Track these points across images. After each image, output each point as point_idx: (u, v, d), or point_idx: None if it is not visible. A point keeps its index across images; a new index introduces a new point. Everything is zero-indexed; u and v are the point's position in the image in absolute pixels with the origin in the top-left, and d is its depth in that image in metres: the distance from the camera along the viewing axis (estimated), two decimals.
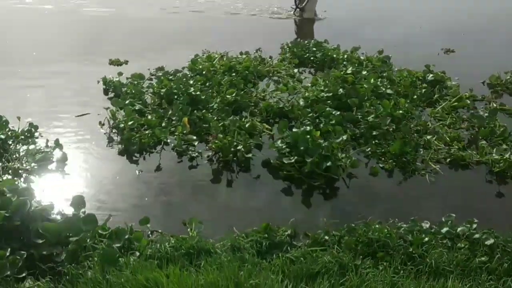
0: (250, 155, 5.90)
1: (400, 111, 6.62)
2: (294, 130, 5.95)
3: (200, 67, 7.96)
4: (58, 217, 4.51)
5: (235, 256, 4.16)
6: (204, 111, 6.78)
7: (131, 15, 12.94)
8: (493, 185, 5.73)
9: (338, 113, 6.57)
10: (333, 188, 5.57)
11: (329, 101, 7.00)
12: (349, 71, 7.86)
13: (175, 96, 6.83)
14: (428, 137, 6.26)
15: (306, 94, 7.14)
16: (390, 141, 6.14)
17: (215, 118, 6.26)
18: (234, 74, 8.09)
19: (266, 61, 8.58)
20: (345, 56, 8.87)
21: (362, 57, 8.92)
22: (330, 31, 11.84)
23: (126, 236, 4.31)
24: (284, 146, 5.81)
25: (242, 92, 7.36)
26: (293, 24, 12.81)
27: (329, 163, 5.46)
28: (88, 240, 4.22)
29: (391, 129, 6.30)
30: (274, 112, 6.75)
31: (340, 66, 8.38)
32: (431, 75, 8.07)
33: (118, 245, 4.23)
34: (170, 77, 7.65)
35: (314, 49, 9.23)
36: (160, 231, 4.71)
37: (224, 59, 8.72)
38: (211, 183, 5.68)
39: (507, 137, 6.27)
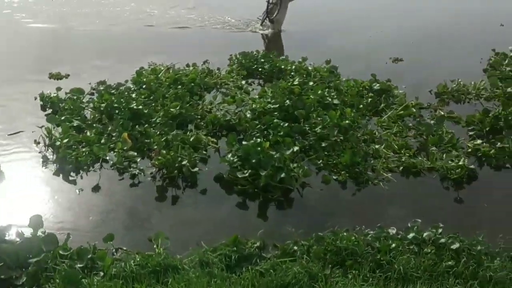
0: (196, 169, 5.89)
1: (347, 121, 6.77)
2: (244, 143, 6.06)
3: (145, 80, 8.25)
4: (17, 238, 4.42)
5: (203, 272, 4.19)
6: (146, 125, 6.72)
7: (76, 29, 13.00)
8: (449, 191, 6.05)
9: (286, 124, 6.66)
10: (289, 199, 5.72)
11: (276, 113, 7.07)
12: (296, 82, 8.01)
13: (116, 111, 7.01)
14: (377, 146, 6.46)
15: (254, 106, 7.27)
16: (339, 151, 6.34)
17: (158, 132, 6.16)
18: (180, 86, 8.09)
19: (214, 73, 8.99)
20: (293, 67, 9.06)
21: (310, 68, 9.17)
22: (292, 42, 12.35)
23: (89, 256, 4.25)
24: (235, 160, 5.87)
25: (188, 105, 7.36)
26: (252, 37, 12.73)
27: (283, 175, 5.56)
28: (49, 261, 4.17)
29: (339, 139, 6.45)
30: (220, 124, 6.70)
31: (288, 77, 8.59)
32: (377, 84, 8.25)
33: (81, 265, 4.19)
34: (113, 91, 7.78)
35: (262, 60, 9.39)
36: (125, 248, 4.66)
37: (171, 71, 8.71)
38: (156, 201, 5.73)
39: (455, 143, 6.62)
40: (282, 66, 9.00)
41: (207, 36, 12.15)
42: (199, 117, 7.21)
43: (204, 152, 6.37)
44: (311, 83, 8.01)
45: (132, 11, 14.64)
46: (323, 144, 6.36)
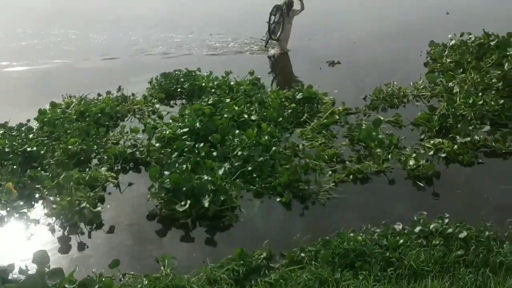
0: (99, 208, 5.72)
1: (266, 137, 6.70)
2: (166, 173, 6.07)
3: (48, 116, 7.77)
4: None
5: None
6: (39, 168, 6.56)
7: None
8: (406, 188, 6.25)
9: (202, 144, 6.80)
10: (239, 222, 5.78)
11: (185, 136, 6.98)
12: (210, 101, 8.12)
13: (10, 155, 6.66)
14: (307, 159, 6.59)
15: (164, 132, 7.27)
16: (271, 172, 6.42)
17: (50, 175, 6.14)
18: (88, 118, 7.94)
19: (128, 99, 8.65)
20: (215, 83, 9.10)
21: (232, 83, 9.17)
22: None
23: (97, 286, 4.39)
24: (165, 193, 5.72)
25: (92, 138, 7.31)
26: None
27: (222, 197, 5.75)
28: None
29: (264, 159, 6.38)
30: (125, 157, 6.79)
31: (209, 95, 8.61)
32: (300, 93, 8.38)
33: None
34: (14, 132, 7.42)
35: (183, 79, 9.34)
36: (132, 273, 4.76)
37: (82, 103, 8.43)
38: (59, 253, 5.37)
39: (396, 144, 6.94)
40: (203, 84, 9.10)
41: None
42: (103, 150, 7.17)
43: (104, 189, 6.29)
44: (227, 100, 8.17)
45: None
46: (249, 168, 6.26)
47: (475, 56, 9.46)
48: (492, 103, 7.49)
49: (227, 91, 8.71)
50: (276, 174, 6.17)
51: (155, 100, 8.81)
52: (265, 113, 7.62)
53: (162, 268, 4.71)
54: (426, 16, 13.93)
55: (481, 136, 6.83)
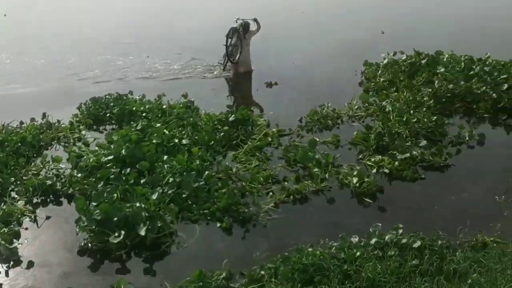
0: (15, 244, 5.55)
1: (197, 162, 6.73)
2: (93, 204, 5.93)
3: None
4: None
5: None
6: None
7: None
8: (352, 205, 6.40)
9: (129, 170, 6.75)
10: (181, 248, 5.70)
11: (110, 164, 6.85)
12: (139, 127, 8.06)
13: None
14: (243, 183, 6.67)
15: (87, 161, 7.15)
16: (203, 197, 6.39)
17: None
18: (7, 148, 7.68)
19: (53, 127, 8.45)
20: (147, 107, 9.07)
21: (165, 106, 9.21)
22: None
23: None
24: (94, 225, 5.55)
25: (10, 170, 7.12)
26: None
27: (159, 223, 5.70)
28: None
29: (199, 184, 6.50)
30: (44, 189, 6.60)
31: (140, 119, 8.56)
32: (232, 115, 8.48)
33: None
34: None
35: (112, 104, 9.24)
36: None
37: (4, 132, 8.27)
38: None
39: (333, 163, 7.14)
40: (134, 108, 9.03)
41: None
42: (19, 183, 6.96)
43: (18, 226, 6.00)
44: (158, 124, 8.15)
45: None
46: (184, 194, 6.24)
47: (407, 74, 10.06)
48: (425, 120, 7.82)
49: (159, 115, 8.76)
50: (212, 199, 6.27)
51: (83, 127, 8.74)
52: (196, 137, 7.73)
53: None
54: (362, 36, 14.48)
55: (418, 151, 7.20)
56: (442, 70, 9.75)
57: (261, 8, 16.50)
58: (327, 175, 6.75)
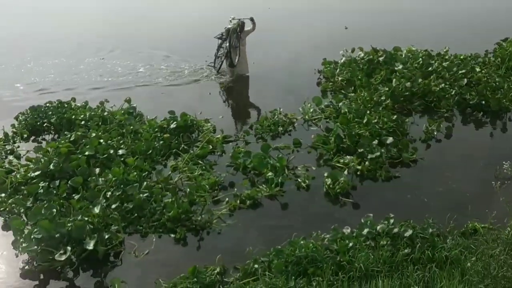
0: None
1: (134, 173, 6.73)
2: (30, 222, 5.72)
3: None
4: None
5: None
6: None
7: None
8: (308, 206, 6.46)
9: (58, 182, 6.59)
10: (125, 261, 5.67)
11: (36, 180, 6.67)
12: (72, 137, 7.82)
13: None
14: (190, 191, 6.59)
15: (12, 178, 6.86)
16: (151, 208, 6.22)
17: None
18: None
19: None
20: (87, 115, 8.88)
21: (106, 113, 9.04)
22: None
23: None
24: (36, 245, 5.37)
25: None
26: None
27: (106, 235, 5.68)
28: None
29: (144, 195, 6.36)
30: None
31: (80, 129, 8.34)
32: (174, 122, 8.38)
33: None
34: None
35: (51, 113, 9.00)
36: None
37: None
38: None
39: (286, 165, 7.14)
40: (73, 117, 8.86)
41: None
42: None
43: None
44: (93, 134, 7.99)
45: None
46: (130, 207, 6.19)
47: (366, 72, 10.30)
48: (385, 119, 8.01)
49: (99, 123, 8.61)
50: (161, 210, 6.19)
51: (18, 138, 8.54)
52: (133, 146, 7.69)
53: None
54: (324, 31, 14.56)
55: (385, 149, 7.44)
56: (400, 67, 9.89)
57: (228, 5, 16.55)
58: (280, 179, 6.88)
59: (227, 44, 11.21)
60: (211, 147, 7.75)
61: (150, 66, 12.66)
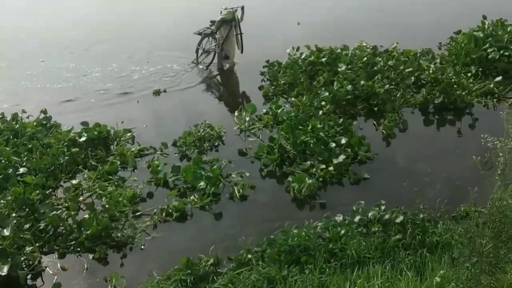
0: None
1: (37, 191, 6.64)
2: None
3: None
4: None
5: None
6: None
7: None
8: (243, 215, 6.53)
9: None
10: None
11: None
12: None
13: None
14: (108, 206, 6.45)
15: None
16: (67, 227, 6.10)
17: None
18: None
19: None
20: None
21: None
22: None
23: None
24: None
25: None
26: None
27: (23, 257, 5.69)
28: None
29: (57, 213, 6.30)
30: None
31: None
32: (85, 135, 8.09)
33: None
34: None
35: None
36: None
37: None
38: None
39: (219, 174, 7.08)
40: None
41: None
42: None
43: None
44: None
45: None
46: (42, 226, 6.10)
47: (308, 75, 10.24)
48: (331, 123, 8.15)
49: (10, 137, 8.19)
50: (79, 228, 6.04)
51: None
52: (35, 163, 7.50)
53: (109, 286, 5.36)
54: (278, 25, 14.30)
55: (340, 150, 7.51)
56: (343, 68, 9.74)
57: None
58: (212, 189, 6.87)
59: (237, 33, 11.47)
60: (116, 164, 7.41)
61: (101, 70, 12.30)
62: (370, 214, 5.88)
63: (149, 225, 6.35)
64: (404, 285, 4.82)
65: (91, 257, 5.91)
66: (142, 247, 6.06)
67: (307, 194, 6.78)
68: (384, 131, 8.20)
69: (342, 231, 5.65)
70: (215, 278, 5.26)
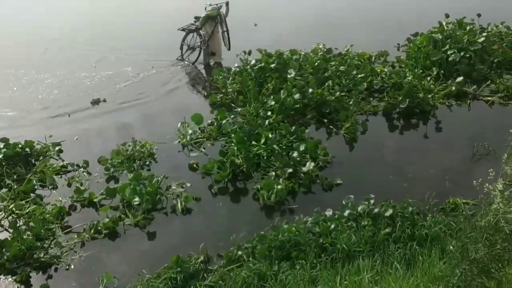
0: None
1: None
2: None
3: None
4: None
5: None
6: None
7: None
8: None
9: None
10: None
11: None
12: None
13: None
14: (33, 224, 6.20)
15: None
16: None
17: None
18: None
19: None
20: None
21: None
22: None
23: None
24: None
25: None
26: None
27: None
28: None
29: None
30: None
31: None
32: (2, 151, 7.76)
33: None
34: None
35: None
36: None
37: None
38: None
39: (158, 187, 6.95)
40: None
41: None
42: None
43: None
44: None
45: None
46: None
47: (258, 82, 9.98)
48: (283, 132, 8.05)
49: None
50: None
51: None
52: None
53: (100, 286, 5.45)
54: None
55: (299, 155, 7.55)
56: (293, 74, 9.34)
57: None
58: (144, 205, 6.69)
59: (224, 30, 11.85)
60: (35, 182, 7.17)
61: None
62: (359, 208, 6.03)
63: (76, 242, 6.20)
64: (393, 279, 4.90)
65: (12, 280, 5.70)
66: (67, 267, 5.92)
67: (277, 200, 6.75)
68: (346, 135, 8.15)
69: (332, 226, 5.78)
70: (205, 275, 5.34)
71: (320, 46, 11.23)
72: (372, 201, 6.13)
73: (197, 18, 12.18)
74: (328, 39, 11.81)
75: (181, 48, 12.47)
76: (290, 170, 7.15)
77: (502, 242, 4.01)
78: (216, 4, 12.01)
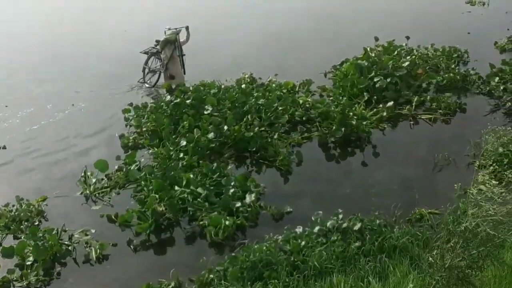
0: None
1: None
2: None
3: None
4: None
5: None
6: None
7: None
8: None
9: None
10: None
11: None
12: None
13: None
14: None
15: None
16: None
17: None
18: None
19: None
20: None
21: None
22: None
23: None
24: None
25: None
26: None
27: None
28: None
29: None
30: None
31: None
32: None
33: None
34: None
35: None
36: None
37: None
38: None
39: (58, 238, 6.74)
40: None
41: None
42: None
43: None
44: None
45: None
46: None
47: (173, 120, 9.62)
48: (204, 170, 7.82)
49: None
50: None
51: None
52: None
53: None
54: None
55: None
56: (210, 110, 9.02)
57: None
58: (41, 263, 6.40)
59: (178, 54, 12.38)
60: None
61: None
62: (328, 223, 6.23)
63: None
64: None
65: None
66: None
67: (225, 236, 6.78)
68: (281, 168, 8.16)
69: (303, 243, 5.98)
70: None
71: (246, 76, 11.38)
72: (340, 216, 6.28)
73: (158, 41, 12.77)
74: (260, 65, 11.88)
75: (143, 71, 13.09)
76: (238, 204, 6.97)
77: (478, 246, 4.29)
78: (176, 28, 12.78)
